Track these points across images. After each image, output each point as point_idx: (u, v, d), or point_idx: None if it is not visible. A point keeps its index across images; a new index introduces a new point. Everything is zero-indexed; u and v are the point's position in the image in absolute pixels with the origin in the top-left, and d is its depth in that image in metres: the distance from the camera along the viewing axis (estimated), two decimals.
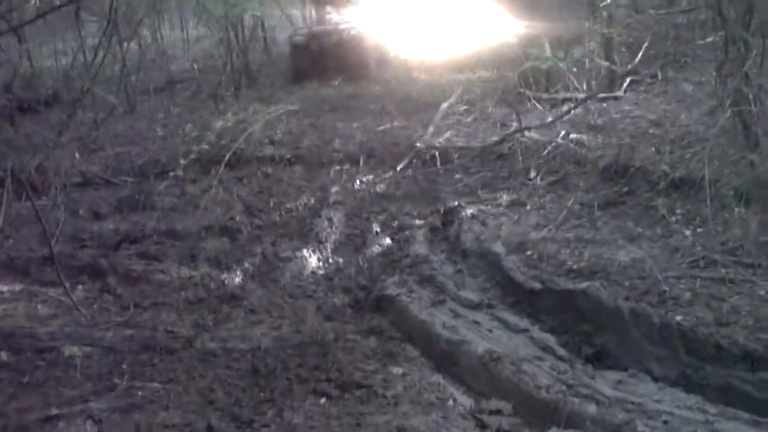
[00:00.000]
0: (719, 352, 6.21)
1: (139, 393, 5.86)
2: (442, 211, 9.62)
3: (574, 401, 5.71)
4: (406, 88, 15.18)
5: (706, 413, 5.51)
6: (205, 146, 11.35)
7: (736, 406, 5.75)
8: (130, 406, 5.63)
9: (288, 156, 11.93)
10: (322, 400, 5.67)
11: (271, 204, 10.41)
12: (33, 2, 11.89)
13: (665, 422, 5.38)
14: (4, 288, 8.02)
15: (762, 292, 6.98)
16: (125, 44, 15.30)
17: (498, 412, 5.39)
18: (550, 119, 11.70)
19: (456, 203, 9.67)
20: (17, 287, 8.10)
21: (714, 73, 10.01)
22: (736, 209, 8.17)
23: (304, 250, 8.77)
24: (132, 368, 6.29)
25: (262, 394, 5.85)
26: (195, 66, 17.70)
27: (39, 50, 17.52)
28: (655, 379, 6.05)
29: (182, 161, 11.11)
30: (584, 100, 11.48)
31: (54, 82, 15.90)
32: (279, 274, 8.29)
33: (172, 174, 10.95)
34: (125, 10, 14.24)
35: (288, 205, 10.34)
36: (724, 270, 7.31)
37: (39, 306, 7.67)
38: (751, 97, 8.58)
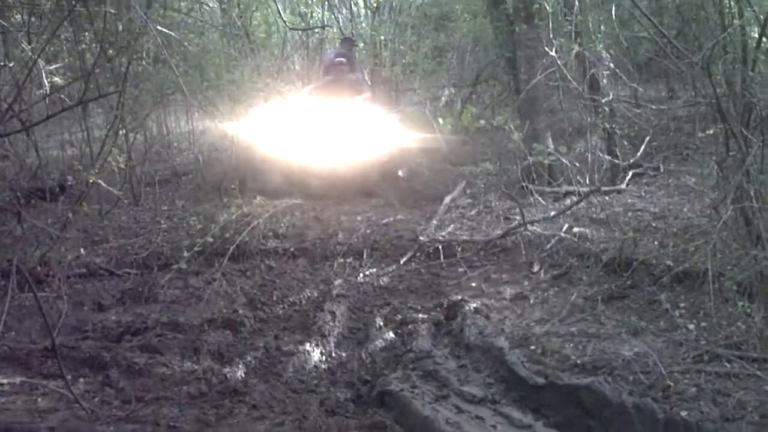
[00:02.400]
0: None
1: None
2: (445, 305, 9.61)
3: None
4: (409, 183, 15.26)
5: None
6: (209, 239, 11.39)
7: None
8: None
9: (292, 249, 11.97)
10: None
11: (275, 297, 10.41)
12: (45, 101, 12.05)
13: None
14: (4, 381, 7.94)
15: (767, 387, 6.95)
16: (131, 136, 15.42)
17: None
18: (553, 213, 11.76)
19: (459, 297, 9.67)
20: (17, 380, 8.03)
21: (715, 167, 10.06)
22: (740, 303, 8.17)
23: (307, 344, 8.70)
24: None
25: None
26: (200, 158, 17.82)
27: (46, 141, 17.68)
28: None
29: (186, 254, 11.13)
30: (588, 195, 11.54)
31: (60, 174, 15.99)
32: (281, 369, 8.22)
33: (175, 266, 10.97)
34: (132, 104, 14.39)
35: (291, 299, 10.33)
36: (728, 365, 7.30)
37: (39, 399, 7.60)
38: (752, 193, 8.63)
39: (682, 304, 8.67)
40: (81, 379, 8.10)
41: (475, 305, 9.28)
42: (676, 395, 6.86)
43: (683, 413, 6.48)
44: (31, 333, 9.39)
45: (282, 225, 12.72)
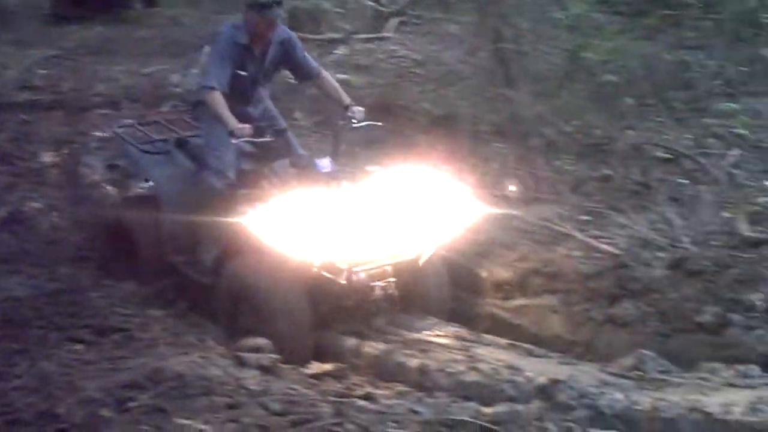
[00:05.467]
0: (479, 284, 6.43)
1: None
2: None
3: (335, 336, 5.77)
4: (171, 31, 14.84)
5: (463, 340, 5.64)
6: None
7: (494, 333, 5.94)
8: None
9: (47, 101, 11.44)
10: (78, 347, 5.48)
11: (29, 151, 9.98)
12: None
13: (424, 351, 5.47)
14: None
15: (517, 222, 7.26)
16: None
17: (257, 349, 5.35)
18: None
19: None
20: None
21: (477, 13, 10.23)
22: (495, 144, 8.44)
23: (63, 198, 8.45)
24: None
25: (15, 345, 5.58)
26: None
27: None
28: None
29: None
30: (346, 38, 11.53)
31: None
32: (35, 223, 7.95)
33: None
34: None
35: (47, 152, 9.94)
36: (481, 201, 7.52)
37: None
38: (508, 36, 8.84)
39: (440, 147, 8.83)
40: None
41: None
42: None
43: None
44: None
45: (35, 76, 12.11)
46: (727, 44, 10.38)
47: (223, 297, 5.99)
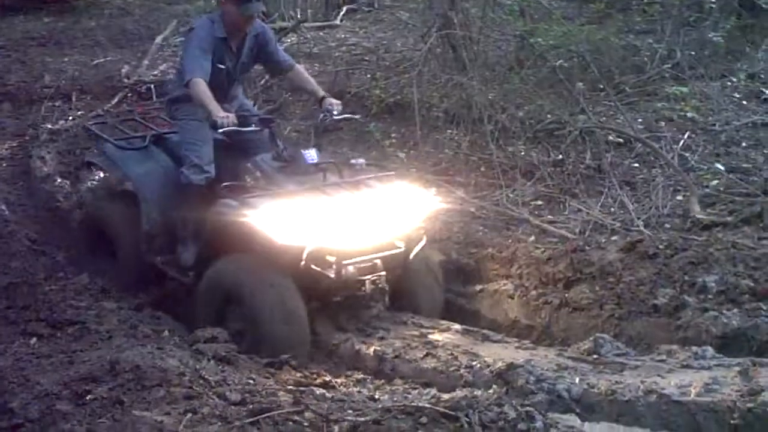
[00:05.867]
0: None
1: None
2: None
3: None
4: (120, 21, 14.71)
5: (420, 327, 5.65)
6: None
7: (451, 319, 5.94)
8: None
9: None
10: (33, 341, 5.40)
11: None
12: None
13: (381, 338, 5.49)
14: None
15: (472, 209, 7.27)
16: None
17: (213, 339, 5.30)
18: None
19: None
20: None
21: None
22: (448, 131, 8.46)
23: (14, 191, 8.35)
24: None
25: None
26: None
27: None
28: None
29: None
30: (295, 26, 11.52)
31: None
32: None
33: None
34: None
35: None
36: (436, 189, 7.53)
37: None
38: (456, 21, 8.87)
39: (393, 135, 8.85)
40: None
41: None
42: None
43: None
44: None
45: None
46: (675, 28, 10.46)
47: (206, 296, 5.81)
